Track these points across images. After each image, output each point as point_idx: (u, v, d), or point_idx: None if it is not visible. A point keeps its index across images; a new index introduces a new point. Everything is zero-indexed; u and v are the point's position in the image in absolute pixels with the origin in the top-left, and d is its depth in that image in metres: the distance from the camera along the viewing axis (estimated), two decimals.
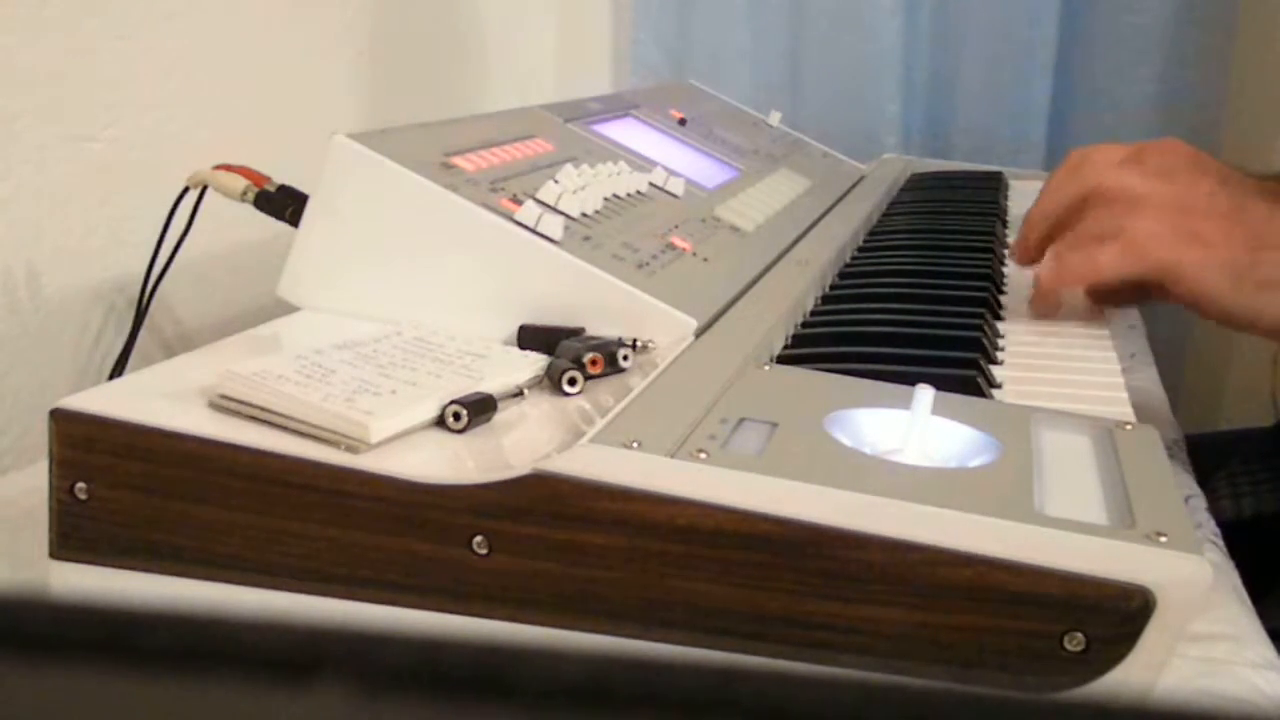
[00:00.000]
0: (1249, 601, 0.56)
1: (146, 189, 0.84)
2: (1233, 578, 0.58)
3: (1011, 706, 0.15)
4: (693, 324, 0.62)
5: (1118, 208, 0.69)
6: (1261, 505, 0.86)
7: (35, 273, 0.78)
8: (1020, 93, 1.44)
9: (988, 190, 1.15)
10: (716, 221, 0.81)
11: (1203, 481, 0.74)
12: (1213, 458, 0.89)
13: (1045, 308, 0.75)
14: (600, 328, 0.61)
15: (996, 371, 0.64)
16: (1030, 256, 0.77)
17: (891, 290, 0.78)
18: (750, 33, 1.49)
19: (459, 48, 1.36)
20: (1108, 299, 0.76)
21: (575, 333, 0.60)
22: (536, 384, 0.56)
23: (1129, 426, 0.53)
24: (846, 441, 0.48)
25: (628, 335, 0.59)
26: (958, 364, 0.62)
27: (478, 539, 0.46)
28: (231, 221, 0.77)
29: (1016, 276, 0.84)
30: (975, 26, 1.45)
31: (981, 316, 0.71)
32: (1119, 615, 0.41)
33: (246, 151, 0.74)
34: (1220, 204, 0.69)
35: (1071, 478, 0.48)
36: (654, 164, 0.84)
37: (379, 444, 0.48)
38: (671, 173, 0.83)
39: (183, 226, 0.76)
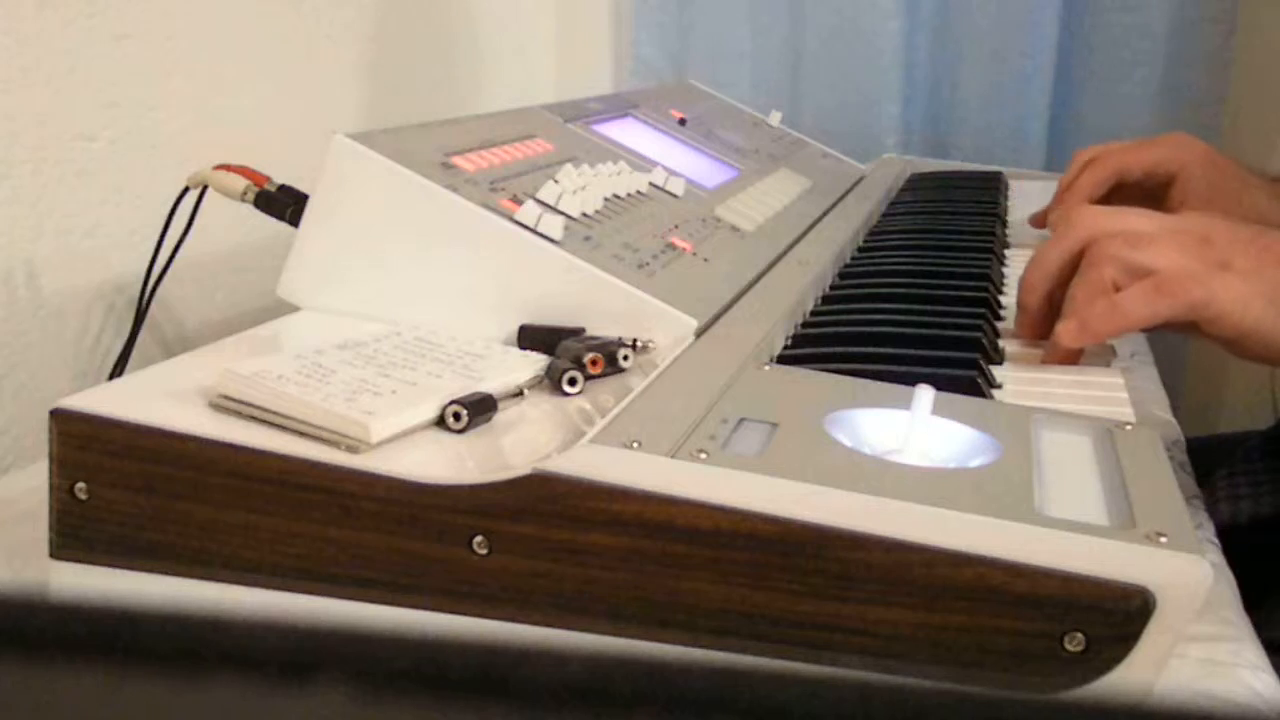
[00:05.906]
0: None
1: (146, 189, 0.84)
2: (1233, 580, 0.57)
3: (1011, 706, 0.15)
4: (693, 324, 0.62)
5: (1126, 248, 0.62)
6: (1259, 508, 0.85)
7: (35, 273, 0.78)
8: (1020, 93, 1.44)
9: (988, 190, 1.15)
10: (716, 221, 0.81)
11: (1201, 485, 0.73)
12: (1212, 461, 0.89)
13: (1064, 360, 0.65)
14: (600, 328, 0.61)
15: (996, 371, 0.64)
16: (1038, 328, 0.67)
17: (891, 290, 0.78)
18: (750, 33, 1.49)
19: (459, 48, 1.36)
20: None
21: (575, 333, 0.60)
22: (536, 384, 0.56)
23: (1129, 426, 0.53)
24: (846, 442, 0.48)
25: (628, 335, 0.59)
26: (958, 364, 0.62)
27: (478, 539, 0.46)
28: (231, 221, 0.77)
29: (1017, 276, 0.83)
30: (975, 27, 1.45)
31: (981, 316, 0.71)
32: (1119, 615, 0.41)
33: (246, 151, 0.74)
34: (1241, 230, 0.62)
35: (1071, 478, 0.48)
36: (654, 164, 0.84)
37: (379, 444, 0.48)
38: (671, 173, 0.83)
39: (183, 226, 0.76)
